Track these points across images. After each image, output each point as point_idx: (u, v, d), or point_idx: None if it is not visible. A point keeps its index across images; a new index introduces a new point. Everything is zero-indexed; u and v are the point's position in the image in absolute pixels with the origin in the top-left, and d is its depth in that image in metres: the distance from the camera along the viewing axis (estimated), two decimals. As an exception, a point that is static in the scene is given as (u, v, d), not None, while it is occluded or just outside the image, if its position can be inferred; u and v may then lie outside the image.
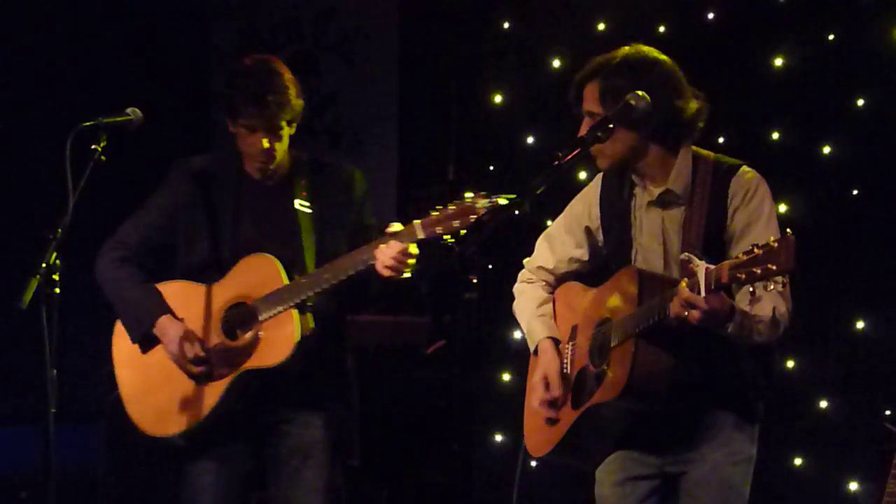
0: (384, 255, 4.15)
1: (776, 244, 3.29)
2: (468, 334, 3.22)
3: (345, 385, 4.55)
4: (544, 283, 4.21)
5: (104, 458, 6.25)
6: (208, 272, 4.43)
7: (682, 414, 3.85)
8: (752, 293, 3.41)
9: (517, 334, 6.67)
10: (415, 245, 4.16)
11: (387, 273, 4.17)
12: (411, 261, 4.17)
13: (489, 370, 6.91)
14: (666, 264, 3.87)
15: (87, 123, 4.13)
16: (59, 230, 3.99)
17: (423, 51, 7.76)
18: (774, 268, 3.28)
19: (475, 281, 3.17)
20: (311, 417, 4.46)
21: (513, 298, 4.28)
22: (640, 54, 3.85)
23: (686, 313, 3.52)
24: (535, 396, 4.05)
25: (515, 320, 4.26)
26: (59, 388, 3.98)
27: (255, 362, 4.31)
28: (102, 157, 4.11)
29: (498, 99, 7.27)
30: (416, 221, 4.14)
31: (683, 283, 3.52)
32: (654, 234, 3.91)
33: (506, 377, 6.91)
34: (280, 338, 4.28)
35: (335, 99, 8.20)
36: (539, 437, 4.14)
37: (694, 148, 3.91)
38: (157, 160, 4.72)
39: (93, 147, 4.11)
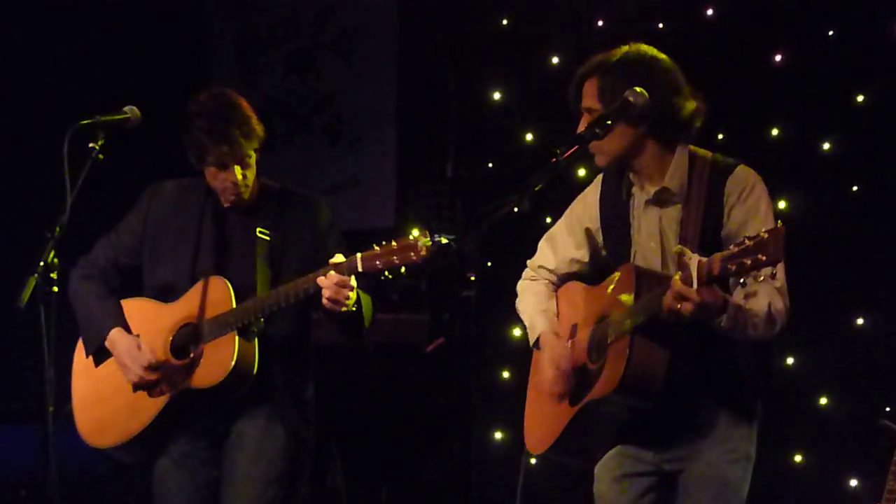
0: (323, 285, 4.17)
1: (766, 235, 3.30)
2: (467, 332, 3.21)
3: (301, 418, 4.53)
4: (547, 281, 4.22)
5: (105, 457, 6.25)
6: (168, 293, 4.48)
7: (680, 411, 3.85)
8: (743, 284, 3.43)
9: (517, 332, 6.67)
10: (353, 278, 4.19)
11: (326, 304, 4.20)
12: (351, 294, 4.19)
13: (489, 368, 6.91)
14: (664, 263, 3.88)
15: (85, 122, 4.14)
16: (57, 229, 4.00)
17: (422, 49, 7.75)
18: (764, 258, 3.30)
19: (473, 279, 3.17)
20: (251, 420, 4.44)
21: (512, 296, 4.28)
22: (639, 52, 3.86)
23: (679, 306, 3.52)
24: (545, 380, 4.04)
25: (515, 318, 4.26)
26: (58, 387, 3.99)
27: (192, 382, 4.34)
28: (100, 156, 4.11)
29: (497, 97, 7.27)
30: (357, 255, 4.18)
31: (676, 276, 3.53)
32: (651, 233, 3.91)
33: (505, 375, 6.91)
34: (217, 361, 4.30)
35: (334, 97, 8.18)
36: (538, 434, 4.14)
37: (691, 147, 3.91)
38: (156, 158, 4.72)
39: (90, 145, 4.12)
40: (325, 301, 4.19)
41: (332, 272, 4.17)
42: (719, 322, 3.61)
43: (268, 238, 4.46)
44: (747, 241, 3.34)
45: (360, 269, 4.15)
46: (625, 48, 3.88)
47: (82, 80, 7.20)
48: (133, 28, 7.64)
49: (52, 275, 3.94)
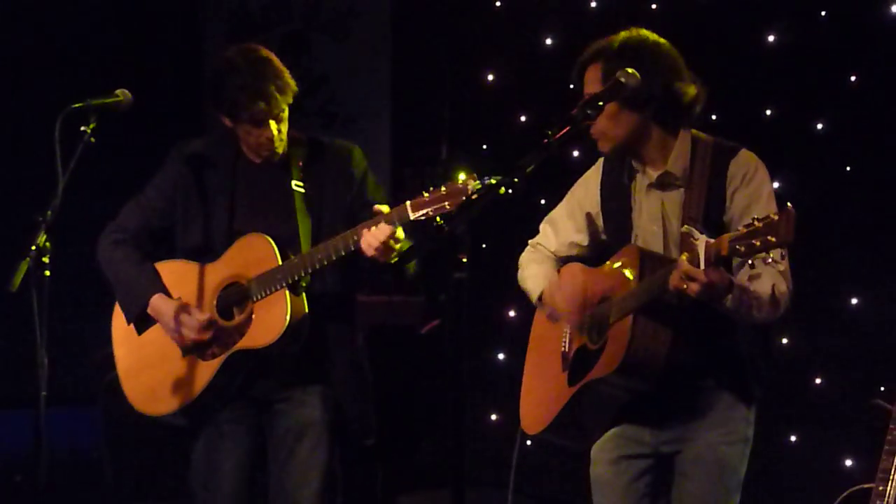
0: (370, 237, 4.13)
1: (776, 217, 3.32)
2: (459, 314, 3.21)
3: (355, 365, 4.55)
4: (549, 256, 4.22)
5: (100, 441, 6.26)
6: (205, 254, 4.44)
7: (679, 393, 3.86)
8: (752, 266, 3.45)
9: (511, 313, 6.67)
10: (401, 229, 4.15)
11: (371, 254, 4.15)
12: (397, 245, 4.15)
13: (483, 350, 6.91)
14: (665, 247, 3.89)
15: (77, 105, 4.12)
16: (49, 212, 3.98)
17: (416, 30, 7.74)
18: (774, 240, 3.31)
19: (465, 260, 3.17)
20: (306, 396, 4.46)
21: (506, 277, 4.29)
22: (640, 37, 3.87)
23: (685, 286, 3.53)
24: (559, 302, 4.02)
25: (510, 299, 4.27)
26: (51, 371, 3.98)
27: (245, 343, 4.31)
28: (92, 139, 4.10)
29: (491, 78, 7.26)
30: (407, 202, 4.12)
31: (683, 256, 3.53)
32: (653, 216, 3.92)
33: (500, 356, 6.91)
34: (270, 319, 4.27)
35: (327, 79, 8.18)
36: (534, 414, 4.15)
37: (693, 131, 3.93)
38: (148, 142, 4.72)
39: (82, 129, 4.10)
40: (368, 250, 4.15)
41: (382, 224, 4.12)
42: (724, 303, 3.62)
43: (304, 191, 4.43)
44: (756, 223, 3.35)
45: (412, 218, 4.10)
46: (625, 33, 3.89)
47: (74, 62, 7.19)
48: (126, 10, 7.63)
49: (44, 259, 3.92)
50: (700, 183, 3.84)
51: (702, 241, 3.48)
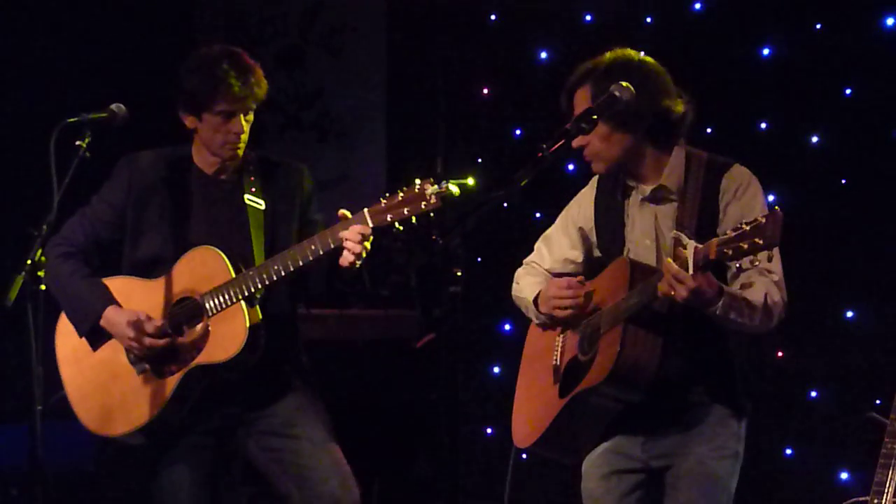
0: (351, 237, 4.08)
1: (763, 219, 3.34)
2: (455, 327, 3.21)
3: (299, 385, 4.50)
4: (543, 273, 4.22)
5: (94, 455, 6.24)
6: (153, 267, 4.40)
7: (670, 407, 3.86)
8: (739, 269, 3.48)
9: (507, 326, 6.67)
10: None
11: (348, 258, 4.11)
12: (367, 244, 4.10)
13: (478, 363, 6.91)
14: (658, 260, 3.91)
15: (72, 119, 4.12)
16: (44, 227, 3.98)
17: (411, 44, 7.74)
18: (761, 242, 3.33)
19: (460, 274, 3.17)
20: (277, 400, 4.43)
21: (501, 290, 4.29)
22: (627, 57, 3.90)
23: (673, 291, 3.52)
24: (553, 290, 4.02)
25: (505, 312, 4.27)
26: (46, 385, 3.97)
27: (204, 358, 4.27)
28: (87, 154, 4.10)
29: (486, 91, 7.26)
30: (364, 209, 4.10)
31: (669, 260, 3.54)
32: (646, 230, 3.94)
33: (495, 370, 6.90)
34: (229, 332, 4.23)
35: (322, 93, 8.17)
36: (526, 428, 4.15)
37: (687, 147, 3.95)
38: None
39: (77, 143, 4.10)
40: (346, 255, 4.10)
41: (356, 225, 4.08)
42: (714, 310, 3.61)
43: (261, 206, 4.41)
44: (744, 226, 3.37)
45: (370, 225, 4.07)
46: (611, 54, 3.91)
47: (68, 76, 7.18)
48: (120, 23, 7.62)
49: (39, 273, 3.92)
50: (693, 196, 3.85)
51: (690, 245, 3.50)
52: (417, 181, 4.02)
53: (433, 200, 3.96)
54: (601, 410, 3.91)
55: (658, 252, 3.91)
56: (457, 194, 3.78)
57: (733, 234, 3.39)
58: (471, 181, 3.51)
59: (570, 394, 3.90)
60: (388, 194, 4.06)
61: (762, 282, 3.71)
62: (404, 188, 4.04)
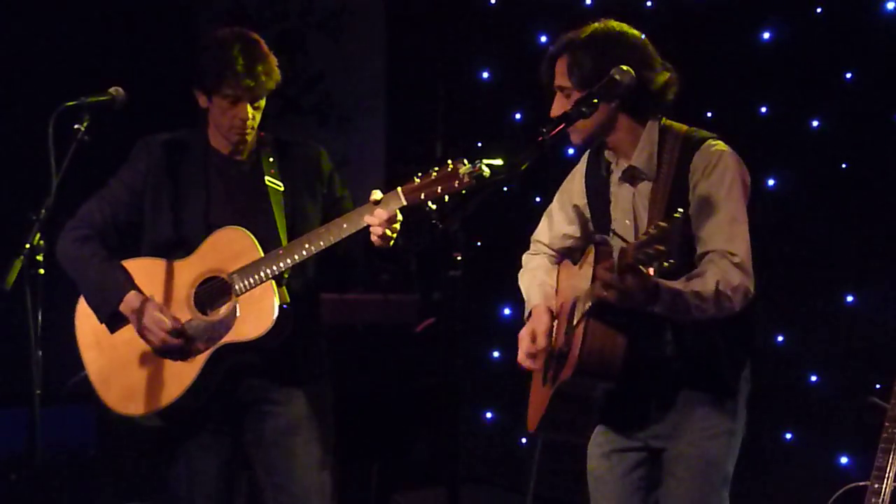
0: (377, 218, 4.09)
1: (665, 224, 3.26)
2: (454, 312, 3.21)
3: (318, 373, 4.53)
4: (548, 254, 4.21)
5: (95, 440, 6.25)
6: (175, 248, 4.38)
7: (657, 390, 3.84)
8: (662, 267, 3.36)
9: (507, 311, 6.67)
10: (398, 212, 4.12)
11: (376, 241, 4.13)
12: (396, 225, 4.11)
13: (478, 347, 6.91)
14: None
15: (70, 103, 4.11)
16: (43, 211, 3.97)
17: (410, 28, 7.73)
18: (663, 249, 3.25)
19: (460, 258, 3.17)
20: (293, 393, 4.44)
21: (501, 275, 4.28)
22: (607, 28, 3.85)
23: (605, 294, 3.48)
24: (520, 351, 4.02)
25: (505, 297, 4.26)
26: (45, 370, 3.97)
27: (233, 336, 4.26)
28: (86, 137, 4.09)
29: (485, 75, 7.25)
30: (398, 188, 4.11)
31: (600, 265, 3.50)
32: (625, 210, 3.90)
33: (495, 354, 6.90)
34: (259, 310, 4.24)
35: (322, 77, 8.18)
36: (532, 412, 4.15)
37: (665, 121, 3.88)
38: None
39: (76, 127, 4.09)
40: (374, 238, 4.12)
41: (379, 209, 4.09)
42: (652, 309, 3.55)
43: (280, 188, 4.42)
44: (651, 230, 3.29)
45: (404, 203, 4.08)
46: (593, 25, 3.86)
47: (68, 61, 7.18)
48: (120, 7, 7.62)
49: (38, 257, 3.91)
50: (667, 175, 3.77)
51: (617, 248, 3.45)
52: (450, 161, 4.02)
53: (466, 180, 3.96)
54: (586, 399, 3.87)
55: (636, 232, 3.84)
56: (488, 175, 3.76)
57: (645, 237, 3.30)
58: (501, 161, 3.48)
59: (554, 385, 3.88)
60: (421, 173, 4.06)
61: (714, 269, 3.61)
62: (437, 167, 4.04)
